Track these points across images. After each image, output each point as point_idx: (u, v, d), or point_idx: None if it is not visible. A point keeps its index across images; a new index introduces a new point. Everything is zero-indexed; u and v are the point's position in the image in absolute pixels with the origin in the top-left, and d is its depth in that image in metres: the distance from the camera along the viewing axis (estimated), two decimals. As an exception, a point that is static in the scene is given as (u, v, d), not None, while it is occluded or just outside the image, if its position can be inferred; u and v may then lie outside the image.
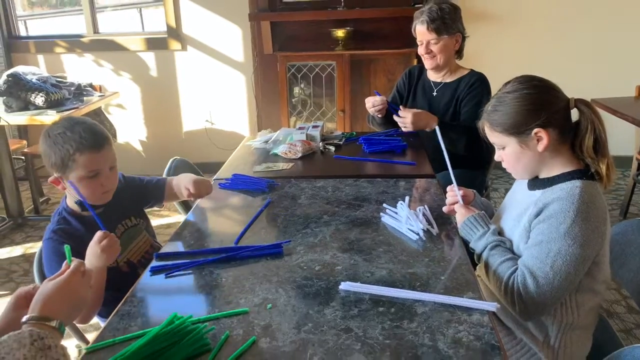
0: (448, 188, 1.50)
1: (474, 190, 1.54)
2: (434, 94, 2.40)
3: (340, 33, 3.76)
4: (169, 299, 1.18)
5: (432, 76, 2.43)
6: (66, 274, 0.91)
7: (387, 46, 3.76)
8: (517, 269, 1.20)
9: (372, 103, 2.32)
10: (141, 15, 7.65)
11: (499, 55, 3.82)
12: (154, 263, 1.29)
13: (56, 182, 1.41)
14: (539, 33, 3.85)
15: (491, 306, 1.05)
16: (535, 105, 1.21)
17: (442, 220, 1.47)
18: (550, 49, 3.85)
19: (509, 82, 1.28)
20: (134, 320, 1.08)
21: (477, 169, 2.36)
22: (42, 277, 1.43)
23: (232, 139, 4.12)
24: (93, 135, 1.38)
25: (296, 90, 3.89)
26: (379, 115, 2.35)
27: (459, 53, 2.38)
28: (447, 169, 1.47)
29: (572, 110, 1.25)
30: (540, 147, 1.22)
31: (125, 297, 1.16)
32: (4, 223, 3.46)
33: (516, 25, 3.85)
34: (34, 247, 3.21)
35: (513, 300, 1.19)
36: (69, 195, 1.46)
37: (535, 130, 1.21)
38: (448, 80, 2.38)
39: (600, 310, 1.43)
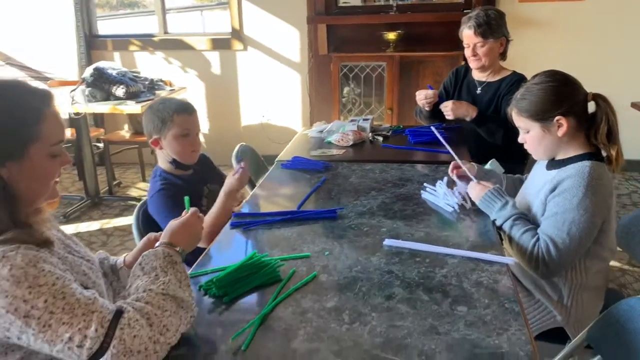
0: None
1: (474, 163, 1.76)
2: (478, 91, 2.60)
3: (391, 36, 3.99)
4: (245, 246, 1.45)
5: (477, 75, 2.63)
6: (188, 215, 1.20)
7: (436, 49, 3.95)
8: (538, 238, 1.41)
9: (425, 95, 2.55)
10: (203, 16, 8.11)
11: (543, 59, 3.92)
12: (233, 220, 1.58)
13: (155, 143, 1.77)
14: (582, 38, 3.96)
15: (510, 260, 1.28)
16: (558, 96, 1.42)
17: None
18: (593, 53, 3.95)
19: (537, 75, 1.49)
20: (219, 258, 1.37)
21: (515, 161, 2.54)
22: (141, 231, 1.74)
23: (285, 134, 4.41)
24: (186, 103, 1.79)
25: (347, 89, 4.15)
26: (427, 109, 2.58)
27: (503, 55, 2.57)
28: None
29: (590, 103, 1.45)
30: (560, 132, 1.43)
31: (212, 243, 1.45)
32: (83, 201, 3.88)
33: (560, 31, 3.98)
34: (109, 223, 3.61)
35: (537, 265, 1.39)
36: (162, 158, 1.80)
37: (557, 117, 1.42)
38: (491, 79, 2.57)
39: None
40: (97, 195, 3.94)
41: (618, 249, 1.75)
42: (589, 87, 1.48)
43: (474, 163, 1.77)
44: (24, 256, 0.93)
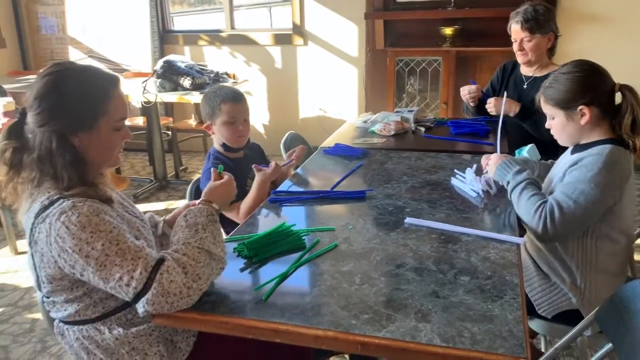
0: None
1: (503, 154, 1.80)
2: (524, 86, 2.62)
3: (448, 31, 4.03)
4: (280, 218, 1.61)
5: (524, 70, 2.65)
6: (224, 179, 1.38)
7: (493, 44, 3.93)
8: (546, 201, 1.47)
9: (468, 90, 2.61)
10: (270, 13, 8.39)
11: (602, 55, 3.80)
12: (271, 197, 1.74)
13: (208, 128, 1.98)
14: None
15: (520, 240, 1.35)
16: (583, 86, 1.48)
17: (502, 186, 1.75)
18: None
19: (565, 64, 1.55)
20: (255, 227, 1.54)
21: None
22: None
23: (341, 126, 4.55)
24: (234, 92, 1.95)
25: (403, 83, 4.22)
26: (472, 104, 2.63)
27: (551, 50, 2.57)
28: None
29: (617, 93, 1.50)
30: (583, 121, 1.49)
31: (251, 214, 1.63)
32: (151, 184, 4.21)
33: (621, 26, 3.84)
34: (174, 204, 3.91)
35: (538, 224, 1.44)
36: (216, 140, 1.99)
37: (580, 107, 1.48)
38: (538, 74, 2.58)
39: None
40: (164, 179, 4.27)
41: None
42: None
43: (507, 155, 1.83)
44: (90, 207, 1.13)
